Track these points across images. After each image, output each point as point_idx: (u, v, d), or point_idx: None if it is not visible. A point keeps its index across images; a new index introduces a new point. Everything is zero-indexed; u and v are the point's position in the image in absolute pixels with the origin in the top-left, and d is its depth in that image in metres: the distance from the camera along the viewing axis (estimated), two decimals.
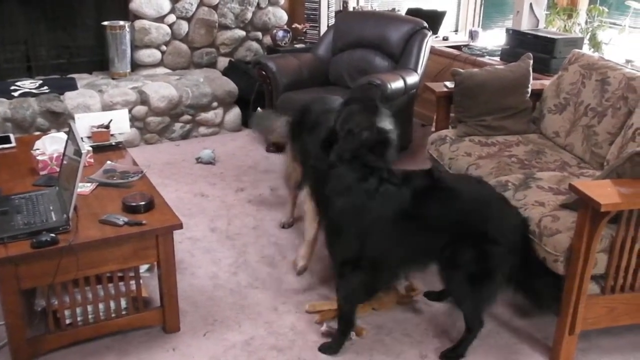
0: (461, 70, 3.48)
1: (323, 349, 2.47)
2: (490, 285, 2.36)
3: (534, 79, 3.48)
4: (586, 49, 4.29)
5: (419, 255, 2.42)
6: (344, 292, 2.43)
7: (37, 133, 4.05)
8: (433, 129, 3.69)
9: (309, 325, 2.61)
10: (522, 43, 4.31)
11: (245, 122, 5.04)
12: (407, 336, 2.54)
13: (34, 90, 4.38)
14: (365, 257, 2.34)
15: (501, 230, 2.34)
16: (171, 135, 4.76)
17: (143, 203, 2.43)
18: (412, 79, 4.21)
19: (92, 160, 2.88)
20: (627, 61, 3.91)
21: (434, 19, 5.04)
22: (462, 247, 2.32)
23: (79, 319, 2.37)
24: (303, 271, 2.86)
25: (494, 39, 5.18)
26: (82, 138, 2.48)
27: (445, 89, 3.51)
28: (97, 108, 4.33)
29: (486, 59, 4.64)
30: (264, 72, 4.46)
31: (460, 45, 5.10)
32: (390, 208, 2.30)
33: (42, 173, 2.76)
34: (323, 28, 5.31)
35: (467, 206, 2.34)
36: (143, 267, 2.69)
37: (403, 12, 5.38)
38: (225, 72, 5.21)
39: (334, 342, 2.47)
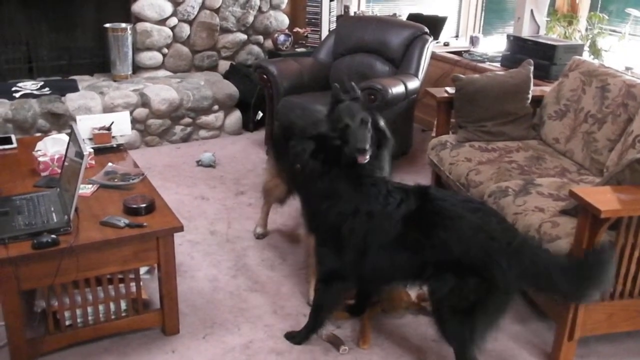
0: (462, 75, 3.50)
1: (289, 336, 2.54)
2: (478, 322, 2.16)
3: (534, 85, 3.49)
4: (586, 56, 4.30)
5: (404, 276, 2.30)
6: (321, 297, 2.47)
7: (38, 134, 4.05)
8: (433, 134, 3.70)
9: None
10: (522, 49, 4.32)
11: (245, 126, 5.06)
12: (405, 340, 2.54)
13: (35, 92, 4.38)
14: (354, 271, 2.32)
15: (509, 277, 2.07)
16: (172, 137, 4.77)
17: (144, 205, 2.43)
18: (413, 84, 4.22)
19: (93, 162, 2.89)
20: (627, 68, 3.93)
21: (434, 25, 5.06)
22: (456, 280, 2.13)
23: (78, 320, 2.37)
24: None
25: (494, 45, 5.20)
26: (83, 140, 2.48)
27: (446, 95, 3.53)
28: (98, 110, 4.33)
29: (487, 65, 4.65)
30: (264, 76, 4.47)
31: (460, 51, 5.11)
32: (388, 224, 2.20)
33: (43, 174, 2.76)
34: (324, 32, 5.32)
35: (468, 238, 2.11)
36: (143, 269, 2.69)
37: (404, 18, 5.40)
38: (226, 76, 5.22)
39: (298, 332, 2.54)
